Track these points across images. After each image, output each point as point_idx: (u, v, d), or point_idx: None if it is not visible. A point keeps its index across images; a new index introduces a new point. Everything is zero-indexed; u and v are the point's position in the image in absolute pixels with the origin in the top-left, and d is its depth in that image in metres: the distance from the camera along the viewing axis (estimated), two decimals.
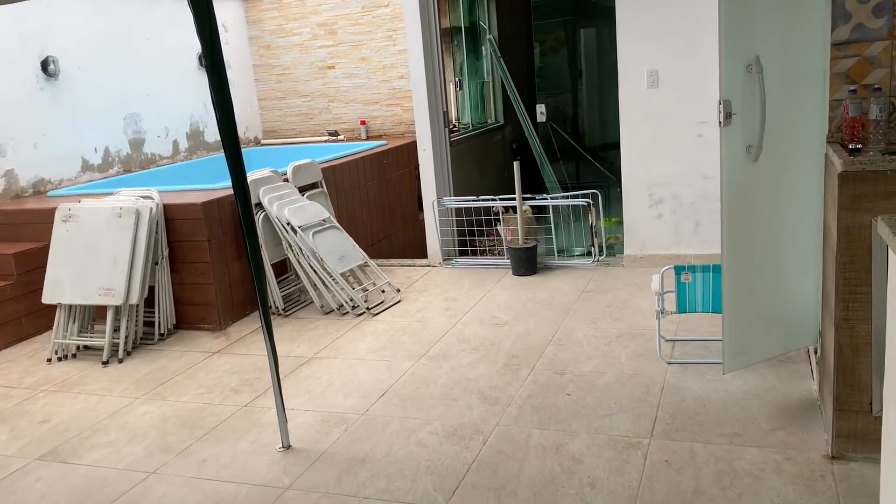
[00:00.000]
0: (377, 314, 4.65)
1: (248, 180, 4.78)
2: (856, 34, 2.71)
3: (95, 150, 6.04)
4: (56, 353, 4.28)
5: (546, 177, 6.74)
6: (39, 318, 4.69)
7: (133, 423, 3.41)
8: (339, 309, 4.72)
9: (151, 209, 4.33)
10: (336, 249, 4.85)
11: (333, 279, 4.71)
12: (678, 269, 3.46)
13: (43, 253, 4.57)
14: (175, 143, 6.92)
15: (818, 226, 3.00)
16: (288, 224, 4.73)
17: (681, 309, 3.54)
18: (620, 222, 5.96)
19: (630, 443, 2.86)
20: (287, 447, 3.05)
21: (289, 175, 5.20)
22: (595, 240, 5.20)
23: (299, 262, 4.78)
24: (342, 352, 4.08)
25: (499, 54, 7.17)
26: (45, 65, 5.57)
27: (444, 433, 3.06)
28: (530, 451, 2.85)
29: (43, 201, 5.18)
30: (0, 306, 4.52)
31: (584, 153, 7.98)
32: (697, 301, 3.49)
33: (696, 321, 3.98)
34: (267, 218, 4.77)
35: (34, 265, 4.65)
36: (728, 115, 2.79)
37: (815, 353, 3.19)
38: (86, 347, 4.39)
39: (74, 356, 4.33)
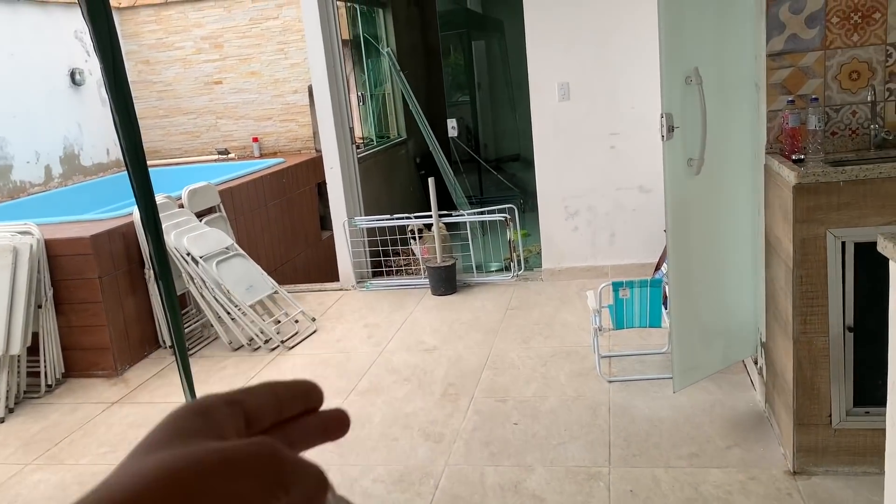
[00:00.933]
0: (293, 347, 4.33)
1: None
2: (790, 45, 2.71)
3: None
4: None
5: (455, 192, 6.61)
6: None
7: (25, 495, 2.96)
8: (249, 343, 4.36)
9: (31, 246, 3.84)
10: (243, 279, 4.49)
11: (241, 311, 4.35)
12: (616, 286, 3.38)
13: None
14: (47, 169, 6.28)
15: (755, 236, 2.99)
16: (188, 254, 4.33)
17: (619, 325, 3.46)
18: (529, 234, 5.91)
19: (590, 473, 2.72)
20: None
21: (184, 200, 4.79)
22: (514, 254, 5.10)
23: (202, 295, 4.39)
24: None
25: (398, 67, 6.98)
26: None
27: (390, 480, 2.82)
28: (487, 493, 2.66)
29: None
30: None
31: (487, 166, 7.92)
32: (635, 316, 3.42)
33: (626, 336, 3.93)
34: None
35: None
36: (671, 129, 2.72)
37: (755, 363, 3.18)
38: None
39: None
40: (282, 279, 5.99)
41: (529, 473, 2.76)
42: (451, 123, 5.59)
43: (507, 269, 5.24)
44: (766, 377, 2.98)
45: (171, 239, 4.34)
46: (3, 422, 3.67)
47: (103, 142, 6.97)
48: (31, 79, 6.15)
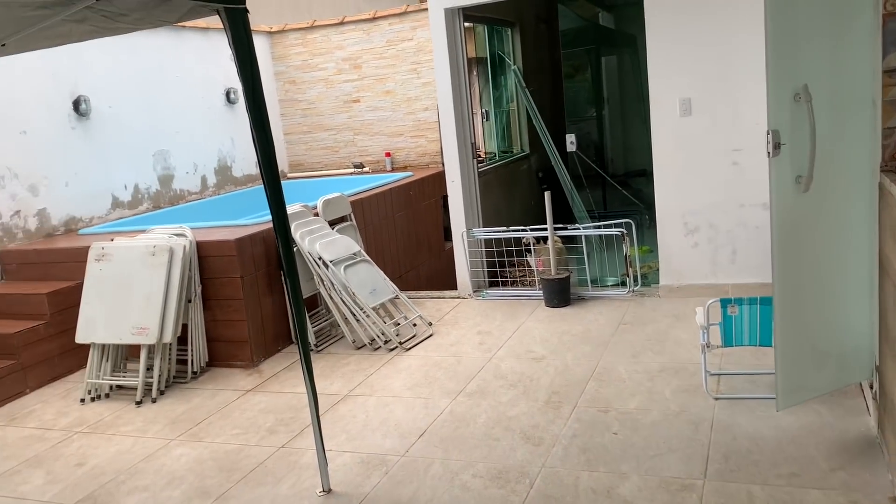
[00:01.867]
0: (410, 349, 4.58)
1: None
2: None
3: (125, 187, 6.07)
4: (89, 393, 4.25)
5: (575, 206, 6.68)
6: (72, 358, 4.67)
7: (169, 465, 3.36)
8: (371, 343, 4.66)
9: (185, 247, 4.32)
10: (367, 283, 4.81)
11: (365, 313, 4.66)
12: (724, 302, 3.37)
13: (75, 292, 4.57)
14: (203, 179, 6.95)
15: (872, 257, 2.91)
16: (319, 258, 4.70)
17: (727, 343, 3.44)
18: (651, 251, 5.88)
19: (683, 485, 2.75)
20: (328, 491, 2.98)
21: (319, 209, 5.19)
22: (630, 269, 5.12)
23: (331, 297, 4.74)
24: (377, 389, 4.01)
25: (524, 84, 7.16)
26: (76, 104, 5.63)
27: (488, 476, 2.97)
28: (580, 496, 2.76)
29: (74, 239, 5.19)
30: (33, 346, 4.51)
31: (611, 181, 7.92)
32: (744, 334, 3.39)
33: (740, 354, 3.87)
34: (298, 253, 4.74)
35: (67, 304, 4.65)
36: (777, 146, 2.72)
37: (871, 387, 3.08)
38: (119, 387, 4.35)
39: (107, 396, 4.30)
40: (405, 286, 6.31)
41: (623, 481, 2.83)
42: (570, 138, 5.68)
43: (624, 284, 5.26)
44: (879, 401, 2.88)
45: (304, 244, 4.73)
46: (155, 402, 4.15)
47: (253, 155, 7.59)
48: (192, 98, 6.84)
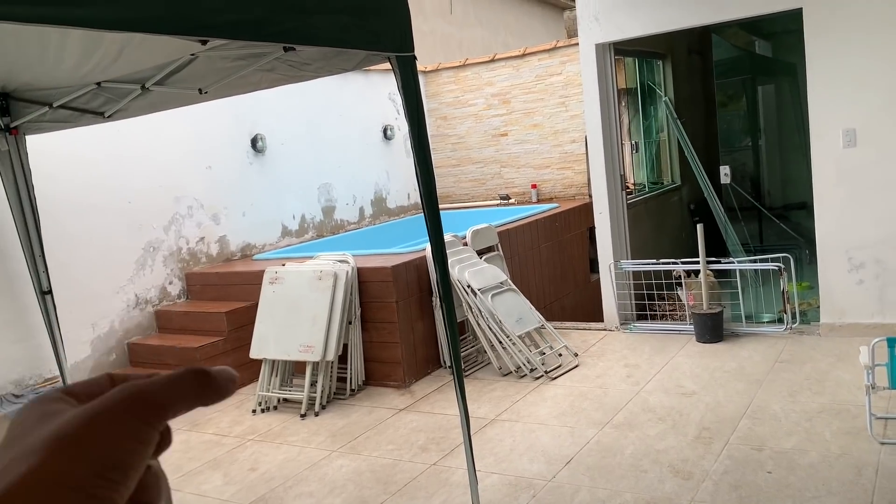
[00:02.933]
0: (555, 378, 4.65)
1: None
2: None
3: (293, 216, 6.59)
4: (260, 404, 4.65)
5: (728, 239, 6.50)
6: (245, 372, 5.12)
7: (331, 475, 3.62)
8: (516, 371, 4.78)
9: (347, 272, 4.66)
10: (514, 311, 4.94)
11: (511, 341, 4.79)
12: (891, 342, 3.21)
13: (250, 311, 5.02)
14: (361, 210, 7.40)
15: None
16: (468, 286, 4.89)
17: (893, 384, 3.26)
18: (811, 287, 5.61)
19: None
20: None
21: (468, 239, 5.40)
22: (788, 306, 4.93)
23: (478, 324, 4.91)
24: (523, 415, 4.11)
25: (675, 115, 7.09)
26: (254, 142, 6.21)
27: None
28: None
29: (249, 264, 5.71)
30: (213, 359, 5.00)
31: (768, 213, 7.63)
32: None
33: None
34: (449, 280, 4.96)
35: (242, 322, 5.12)
36: None
37: None
38: (286, 400, 4.73)
39: (276, 408, 4.68)
40: (550, 316, 6.38)
41: None
42: (725, 170, 5.57)
43: (781, 321, 5.06)
44: None
45: (454, 272, 4.94)
46: (317, 415, 4.47)
47: (405, 187, 8.01)
48: (352, 134, 7.34)
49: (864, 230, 4.66)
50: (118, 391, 0.36)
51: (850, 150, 4.62)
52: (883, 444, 3.26)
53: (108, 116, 3.81)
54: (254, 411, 4.64)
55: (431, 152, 7.86)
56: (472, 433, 3.90)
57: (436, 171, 8.70)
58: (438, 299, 4.98)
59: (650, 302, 5.56)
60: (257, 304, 4.88)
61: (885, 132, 4.52)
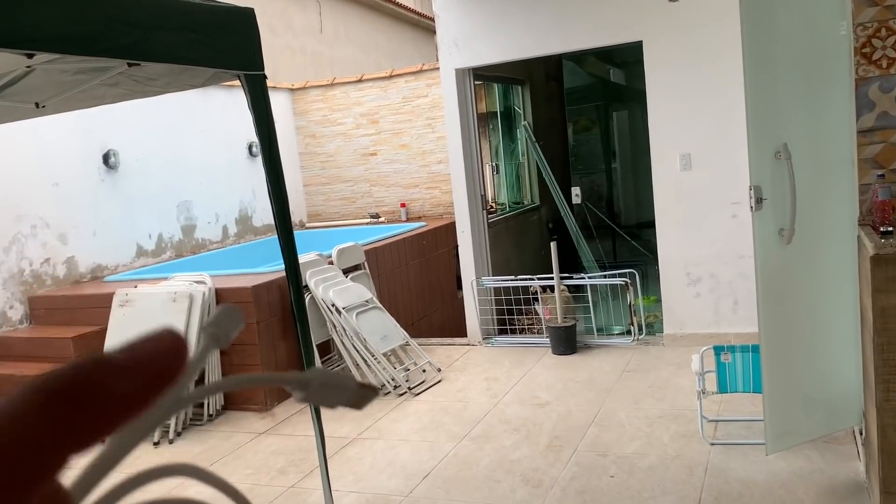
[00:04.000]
0: (418, 394, 4.72)
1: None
2: (880, 122, 2.82)
3: (150, 236, 6.33)
4: None
5: (583, 255, 6.84)
6: None
7: None
8: (381, 388, 4.80)
9: (204, 293, 4.53)
10: (378, 329, 4.97)
11: (376, 359, 4.81)
12: (717, 350, 3.50)
13: (100, 336, 4.77)
14: (224, 228, 7.21)
15: (855, 307, 3.04)
16: (332, 305, 4.88)
17: (721, 389, 3.55)
18: (658, 300, 6.00)
19: None
20: None
21: (333, 258, 5.39)
22: (634, 319, 5.24)
23: (342, 342, 4.91)
24: (385, 432, 4.14)
25: (534, 139, 7.40)
26: (106, 158, 5.93)
27: None
28: None
29: (100, 286, 5.42)
30: None
31: (620, 231, 8.09)
32: (738, 381, 3.51)
33: (738, 401, 3.96)
34: (312, 300, 4.93)
35: (91, 348, 4.85)
36: (759, 200, 2.89)
37: (860, 433, 3.17)
38: None
39: None
40: (417, 332, 6.47)
41: None
42: (576, 191, 5.88)
43: (629, 332, 5.38)
44: (865, 447, 2.98)
45: (319, 291, 4.92)
46: (171, 443, 4.31)
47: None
48: (216, 151, 7.15)
49: (699, 247, 5.04)
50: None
51: (686, 172, 5.00)
52: (713, 444, 3.53)
53: None
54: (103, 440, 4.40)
55: (301, 170, 7.79)
56: (333, 453, 3.89)
57: (305, 189, 8.64)
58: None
59: (511, 316, 5.76)
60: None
61: (716, 156, 4.93)
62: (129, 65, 2.79)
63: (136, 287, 4.78)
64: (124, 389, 0.25)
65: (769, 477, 3.14)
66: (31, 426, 0.24)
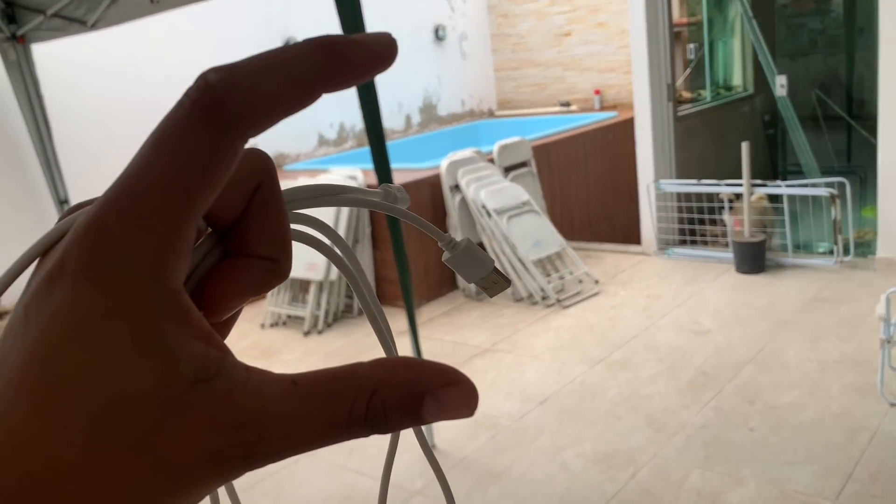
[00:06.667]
0: (568, 306, 4.39)
1: (449, 161, 4.77)
2: None
3: (331, 125, 6.44)
4: (269, 320, 4.67)
5: (801, 155, 5.83)
6: None
7: None
8: (529, 298, 4.54)
9: None
10: (531, 235, 4.66)
11: (525, 266, 4.53)
12: None
13: None
14: (408, 118, 7.15)
15: None
16: (483, 207, 4.63)
17: None
18: None
19: (806, 503, 2.36)
20: (432, 447, 2.99)
21: (494, 155, 5.09)
22: (838, 236, 4.39)
23: (492, 247, 4.67)
24: (519, 346, 3.92)
25: (750, 14, 6.30)
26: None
27: (592, 457, 2.78)
28: (681, 496, 2.48)
29: (280, 175, 5.63)
30: None
31: (857, 126, 6.79)
32: None
33: None
34: (464, 200, 4.72)
35: None
36: None
37: None
38: (296, 317, 4.72)
39: (285, 324, 4.69)
40: (596, 236, 6.05)
41: (737, 487, 2.49)
42: (780, 81, 4.90)
43: (833, 253, 4.54)
44: None
45: (469, 191, 4.69)
46: (321, 333, 4.45)
47: (459, 94, 7.65)
48: (398, 35, 6.90)
49: None
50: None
51: None
52: (893, 405, 2.86)
53: (91, 26, 3.72)
54: (262, 326, 4.67)
55: (492, 53, 7.42)
56: (461, 363, 3.77)
57: (496, 75, 8.29)
58: (452, 220, 4.76)
59: (699, 227, 5.11)
60: None
61: None
62: None
63: (297, 180, 4.87)
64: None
65: None
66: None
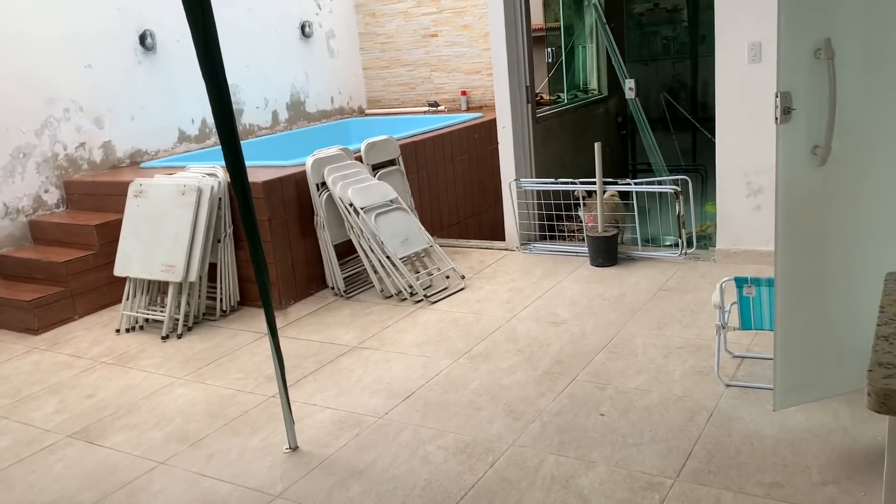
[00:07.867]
0: (435, 302, 4.47)
1: (314, 159, 4.72)
2: None
3: (192, 121, 6.21)
4: (124, 324, 4.45)
5: (651, 155, 6.22)
6: (120, 288, 4.89)
7: (165, 405, 3.46)
8: (397, 294, 4.58)
9: (213, 187, 4.36)
10: (399, 232, 4.70)
11: (393, 263, 4.57)
12: (740, 282, 3.01)
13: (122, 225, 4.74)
14: (275, 114, 7.00)
15: None
16: (350, 205, 4.62)
17: (744, 325, 3.09)
18: None
19: (650, 483, 2.52)
20: (294, 448, 2.97)
21: (362, 153, 5.09)
22: (683, 231, 4.72)
23: (360, 245, 4.68)
24: (386, 343, 3.94)
25: (604, 20, 6.64)
26: (142, 38, 5.75)
27: (453, 449, 2.85)
28: (536, 481, 2.59)
29: (137, 172, 5.37)
30: (83, 275, 4.76)
31: (701, 128, 7.30)
32: (763, 317, 3.03)
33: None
34: (331, 198, 4.69)
35: (115, 236, 4.84)
36: (787, 111, 2.33)
37: None
38: (154, 321, 4.53)
39: (142, 328, 4.49)
40: (463, 232, 6.17)
41: (588, 470, 2.63)
42: (629, 84, 5.21)
43: (678, 245, 4.87)
44: None
45: (336, 189, 4.66)
46: (180, 338, 4.29)
47: (328, 90, 7.57)
48: (265, 31, 6.84)
49: (764, 154, 4.39)
50: None
51: (756, 65, 4.29)
52: (728, 385, 3.12)
53: None
54: (118, 331, 4.45)
55: (360, 52, 7.33)
56: (327, 362, 3.76)
57: (365, 73, 8.26)
58: (319, 218, 4.72)
59: (557, 223, 5.33)
60: None
61: None
62: None
63: (153, 177, 4.67)
64: None
65: (779, 432, 2.73)
66: None
